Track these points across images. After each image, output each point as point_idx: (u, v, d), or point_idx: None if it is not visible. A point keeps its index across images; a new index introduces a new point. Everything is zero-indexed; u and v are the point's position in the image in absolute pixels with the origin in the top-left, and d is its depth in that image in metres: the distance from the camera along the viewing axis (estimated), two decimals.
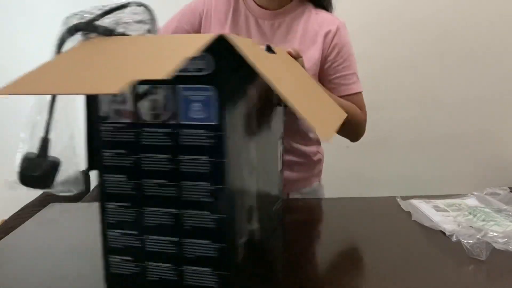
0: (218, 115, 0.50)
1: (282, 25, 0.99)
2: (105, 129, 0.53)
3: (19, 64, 2.00)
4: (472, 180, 2.05)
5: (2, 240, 0.75)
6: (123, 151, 0.53)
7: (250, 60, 0.46)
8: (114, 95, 0.52)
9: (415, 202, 0.85)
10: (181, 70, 0.46)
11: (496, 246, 0.67)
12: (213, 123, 0.50)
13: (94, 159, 0.56)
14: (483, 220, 0.75)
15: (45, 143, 0.56)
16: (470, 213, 0.78)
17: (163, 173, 0.53)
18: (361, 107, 1.01)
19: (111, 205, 0.55)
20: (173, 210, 0.53)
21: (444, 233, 0.72)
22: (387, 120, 1.94)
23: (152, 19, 0.60)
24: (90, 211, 0.91)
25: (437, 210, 0.81)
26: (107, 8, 0.57)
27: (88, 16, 0.56)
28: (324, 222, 0.89)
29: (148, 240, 0.54)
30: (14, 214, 1.40)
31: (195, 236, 0.53)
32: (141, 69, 0.45)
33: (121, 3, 0.58)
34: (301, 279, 0.60)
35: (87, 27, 0.55)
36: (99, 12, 0.56)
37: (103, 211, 0.55)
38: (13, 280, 0.61)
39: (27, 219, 0.84)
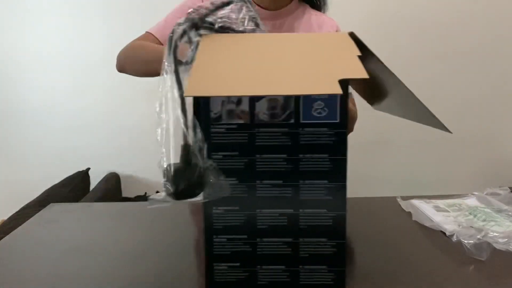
0: (341, 112, 0.50)
1: (283, 25, 0.99)
2: (216, 130, 0.52)
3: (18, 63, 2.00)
4: (473, 180, 2.06)
5: (2, 240, 0.75)
6: (235, 153, 0.52)
7: (376, 55, 0.47)
8: (227, 97, 0.51)
9: (415, 202, 0.85)
10: None
11: (497, 246, 0.66)
12: (335, 121, 0.50)
13: None
14: (484, 220, 0.75)
15: (188, 150, 0.53)
16: (470, 213, 0.78)
17: (279, 173, 0.52)
18: (354, 105, 1.02)
19: (218, 210, 0.53)
20: (288, 211, 0.53)
21: (444, 233, 0.72)
22: (387, 120, 1.93)
23: (257, 16, 0.60)
24: (90, 211, 0.91)
25: (437, 210, 0.81)
26: (217, 4, 0.56)
27: (204, 12, 0.55)
28: None
29: (260, 243, 0.53)
30: (14, 214, 1.40)
31: (311, 235, 0.53)
32: (335, 69, 0.45)
33: (227, 0, 0.58)
34: None
35: (203, 25, 0.54)
36: (211, 7, 0.56)
37: (209, 216, 0.53)
38: (13, 280, 0.61)
39: (27, 219, 0.84)
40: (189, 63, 0.53)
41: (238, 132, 0.51)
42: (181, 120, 0.53)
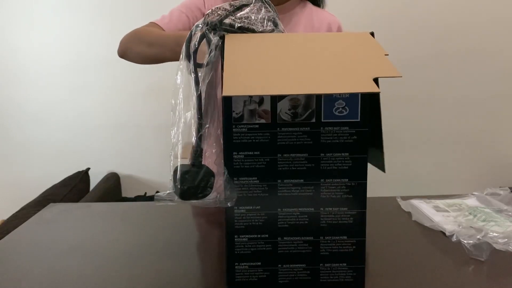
0: (361, 111, 0.51)
1: (283, 21, 0.99)
2: (238, 130, 0.52)
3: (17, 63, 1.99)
4: (473, 180, 2.05)
5: (2, 240, 0.75)
6: (256, 153, 0.52)
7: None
8: (250, 97, 0.51)
9: (415, 202, 0.85)
10: None
11: (496, 246, 0.67)
12: (356, 120, 0.51)
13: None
14: (484, 221, 0.75)
15: (198, 153, 0.54)
16: (470, 213, 0.78)
17: (300, 172, 0.52)
18: None
19: (239, 210, 0.53)
20: (309, 209, 0.53)
21: (444, 233, 0.72)
22: (387, 120, 1.94)
23: (276, 16, 0.60)
24: (90, 211, 0.91)
25: (437, 210, 0.81)
26: (236, 5, 0.57)
27: (222, 13, 0.56)
28: None
29: (281, 242, 0.54)
30: (14, 214, 1.40)
31: (332, 233, 0.54)
32: (365, 68, 0.46)
33: (246, 2, 0.58)
34: None
35: (222, 27, 0.55)
36: (230, 9, 0.56)
37: (231, 217, 0.53)
38: (13, 280, 0.61)
39: (27, 219, 0.84)
40: (208, 65, 0.54)
41: (259, 131, 0.52)
42: (196, 122, 0.54)
